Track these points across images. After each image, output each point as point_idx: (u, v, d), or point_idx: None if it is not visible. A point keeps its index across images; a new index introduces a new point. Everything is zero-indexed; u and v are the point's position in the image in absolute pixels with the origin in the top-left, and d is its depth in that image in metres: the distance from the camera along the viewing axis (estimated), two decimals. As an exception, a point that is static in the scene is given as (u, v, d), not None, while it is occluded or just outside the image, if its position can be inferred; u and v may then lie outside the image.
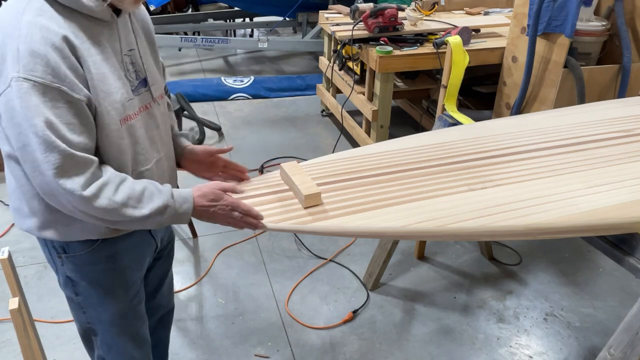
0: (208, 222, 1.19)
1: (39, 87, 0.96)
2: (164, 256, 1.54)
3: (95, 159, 1.05)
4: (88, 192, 1.01)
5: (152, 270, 1.49)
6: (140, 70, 1.18)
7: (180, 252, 2.59)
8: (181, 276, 2.43)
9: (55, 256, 1.24)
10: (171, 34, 5.28)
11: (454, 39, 2.12)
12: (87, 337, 1.38)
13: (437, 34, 3.19)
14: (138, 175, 1.16)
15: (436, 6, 3.53)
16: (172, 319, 1.72)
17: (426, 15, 3.41)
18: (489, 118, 2.72)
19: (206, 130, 3.75)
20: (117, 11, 1.11)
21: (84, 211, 1.04)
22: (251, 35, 6.44)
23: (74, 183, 1.00)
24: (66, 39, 0.99)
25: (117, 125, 1.09)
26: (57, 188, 1.00)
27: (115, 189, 1.05)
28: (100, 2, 1.04)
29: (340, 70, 3.51)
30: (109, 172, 1.06)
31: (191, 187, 1.18)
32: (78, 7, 1.02)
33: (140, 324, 1.41)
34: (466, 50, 2.16)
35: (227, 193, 1.20)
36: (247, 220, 1.17)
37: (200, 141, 3.63)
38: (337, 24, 3.40)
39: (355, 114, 3.72)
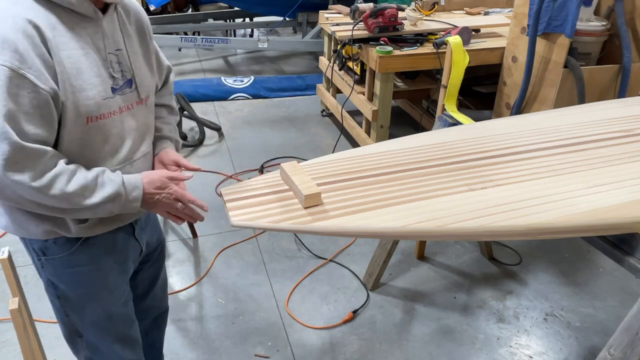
0: (149, 210, 1.19)
1: (5, 71, 0.96)
2: (153, 260, 1.52)
3: (49, 149, 1.03)
4: (39, 183, 1.00)
5: (140, 273, 1.48)
6: (126, 70, 1.17)
7: (180, 252, 2.59)
8: (181, 276, 2.43)
9: (36, 259, 1.24)
10: (171, 34, 5.29)
11: (454, 39, 2.12)
12: (72, 339, 1.37)
13: (437, 34, 3.19)
14: None
15: (436, 6, 3.53)
16: (167, 320, 1.71)
17: (426, 15, 3.41)
18: (489, 118, 2.72)
19: (206, 130, 3.75)
20: (104, 9, 1.12)
21: (34, 201, 1.04)
22: (251, 35, 6.44)
23: (23, 175, 0.99)
24: (37, 28, 0.99)
25: (82, 121, 1.08)
26: (5, 180, 0.98)
27: (68, 179, 1.04)
28: None
29: (340, 70, 3.51)
30: (61, 162, 1.05)
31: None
32: (63, 2, 1.03)
33: (128, 326, 1.39)
34: (466, 50, 2.16)
35: (174, 182, 1.19)
36: (190, 212, 1.20)
37: (200, 141, 3.64)
38: (337, 24, 3.40)
39: (355, 114, 3.72)
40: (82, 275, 1.25)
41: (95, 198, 1.07)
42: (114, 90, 1.13)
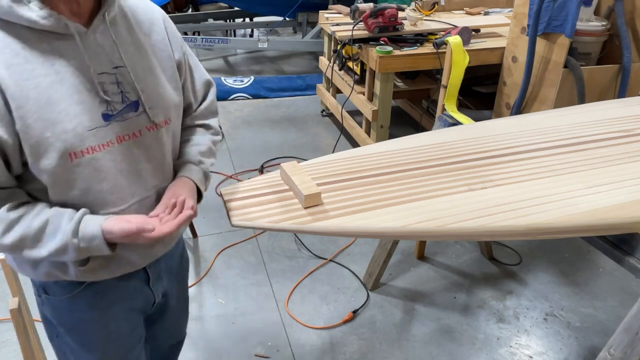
0: None
1: None
2: (173, 310, 1.35)
3: None
4: None
5: (160, 323, 1.34)
6: (130, 91, 0.98)
7: (180, 252, 2.59)
8: (181, 276, 2.43)
9: (37, 294, 1.14)
10: (171, 34, 5.28)
11: (454, 39, 2.12)
12: None
13: (437, 34, 3.19)
14: None
15: (436, 6, 3.54)
16: (183, 344, 1.56)
17: (426, 15, 3.41)
18: (489, 118, 2.71)
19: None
20: (89, 21, 0.95)
21: None
22: (251, 35, 6.44)
23: None
24: None
25: (64, 159, 0.90)
26: None
27: (5, 230, 0.90)
28: (48, 12, 0.87)
29: (340, 70, 3.51)
30: (2, 209, 0.91)
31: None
32: (17, 19, 0.86)
33: None
34: (466, 50, 2.16)
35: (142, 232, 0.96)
36: (179, 223, 0.99)
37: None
38: (337, 24, 3.40)
39: (355, 114, 3.72)
40: (82, 321, 1.14)
41: (43, 250, 0.92)
42: (107, 117, 0.95)
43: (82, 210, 0.95)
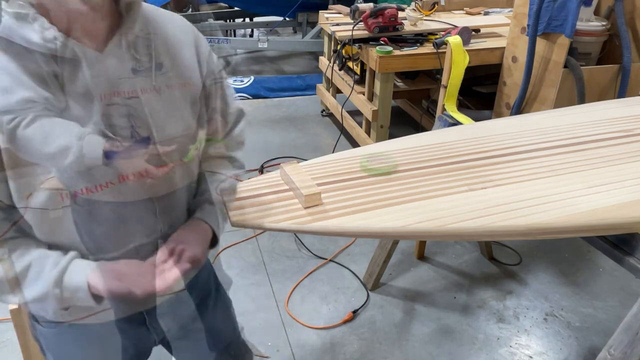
0: None
1: None
2: (195, 344, 1.22)
3: None
4: None
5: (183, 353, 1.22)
6: (142, 125, 0.86)
7: (180, 252, 2.59)
8: (181, 276, 2.43)
9: (28, 316, 1.08)
10: (171, 34, 5.28)
11: (454, 39, 2.12)
12: None
13: (437, 34, 3.19)
14: None
15: (436, 6, 3.54)
16: None
17: (426, 15, 3.41)
18: (489, 118, 2.71)
19: (206, 130, 3.75)
20: (106, 42, 0.84)
21: None
22: (251, 35, 6.44)
23: None
24: None
25: (50, 200, 0.82)
26: None
27: None
28: (54, 34, 0.77)
29: (340, 70, 3.51)
30: None
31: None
32: (18, 39, 0.77)
33: None
34: (466, 50, 2.16)
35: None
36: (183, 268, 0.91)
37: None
38: (337, 24, 3.40)
39: (355, 114, 3.72)
40: (69, 356, 1.07)
41: (21, 297, 0.84)
42: (110, 154, 0.83)
43: (70, 256, 0.85)
